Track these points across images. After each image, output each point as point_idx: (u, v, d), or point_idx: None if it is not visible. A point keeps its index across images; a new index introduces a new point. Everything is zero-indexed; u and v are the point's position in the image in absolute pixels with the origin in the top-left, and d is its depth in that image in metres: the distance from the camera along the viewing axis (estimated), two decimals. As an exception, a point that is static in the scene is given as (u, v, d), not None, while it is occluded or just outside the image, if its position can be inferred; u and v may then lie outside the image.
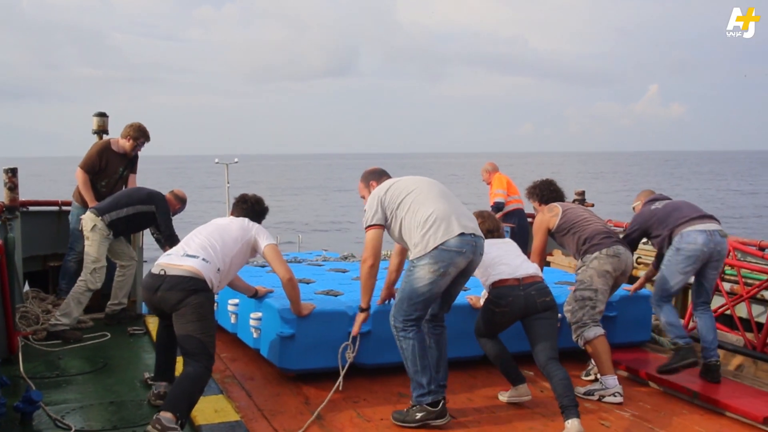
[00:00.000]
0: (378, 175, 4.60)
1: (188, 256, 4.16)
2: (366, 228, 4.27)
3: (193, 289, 4.02)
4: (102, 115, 7.25)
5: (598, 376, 4.88)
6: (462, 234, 4.06)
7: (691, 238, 5.04)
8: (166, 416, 3.59)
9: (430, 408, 4.07)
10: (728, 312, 6.32)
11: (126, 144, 6.83)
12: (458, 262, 4.07)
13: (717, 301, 6.50)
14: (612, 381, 4.74)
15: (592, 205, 8.84)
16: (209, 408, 4.12)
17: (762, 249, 6.47)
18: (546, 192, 5.48)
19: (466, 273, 4.22)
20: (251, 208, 4.78)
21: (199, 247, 4.24)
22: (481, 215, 4.81)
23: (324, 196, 46.77)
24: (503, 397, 4.66)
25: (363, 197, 4.59)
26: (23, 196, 6.75)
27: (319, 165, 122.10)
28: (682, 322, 5.59)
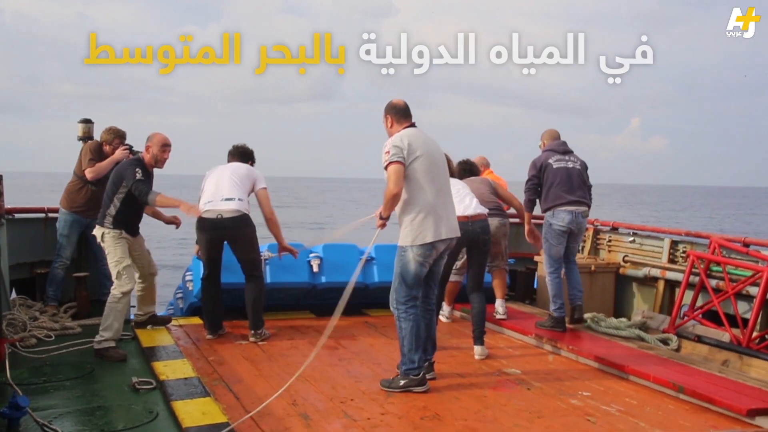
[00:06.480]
0: (396, 114, 4.79)
1: (227, 199, 5.80)
2: (388, 164, 4.54)
3: (245, 224, 5.85)
4: (87, 122, 7.23)
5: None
6: (443, 239, 4.67)
7: (560, 216, 6.30)
8: (257, 332, 5.99)
9: (413, 377, 4.63)
10: (714, 308, 6.38)
11: (108, 150, 6.82)
12: (439, 247, 4.69)
13: (703, 298, 6.58)
14: (445, 307, 6.87)
15: None
16: (197, 410, 4.13)
17: (746, 245, 6.52)
18: (458, 168, 6.74)
19: (449, 252, 4.95)
20: (242, 153, 6.32)
21: (230, 190, 5.84)
22: (459, 162, 6.52)
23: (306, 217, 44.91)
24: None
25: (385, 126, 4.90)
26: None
27: (305, 188, 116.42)
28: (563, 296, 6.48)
